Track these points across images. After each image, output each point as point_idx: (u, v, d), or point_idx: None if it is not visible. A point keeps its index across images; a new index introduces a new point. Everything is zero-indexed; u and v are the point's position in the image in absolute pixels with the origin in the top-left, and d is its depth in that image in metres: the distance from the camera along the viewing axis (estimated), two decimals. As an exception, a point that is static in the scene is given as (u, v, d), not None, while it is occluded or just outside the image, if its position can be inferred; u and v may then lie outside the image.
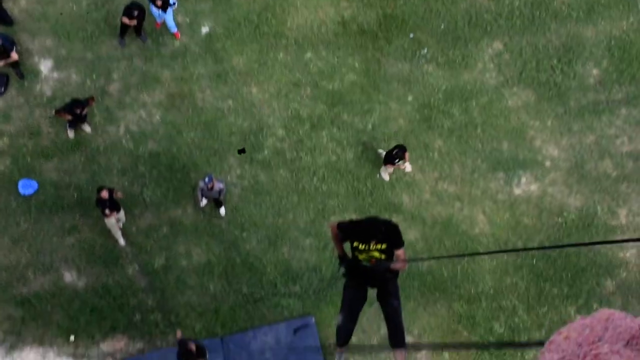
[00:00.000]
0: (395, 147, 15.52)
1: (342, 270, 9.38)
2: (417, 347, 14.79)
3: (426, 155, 16.49)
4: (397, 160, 15.54)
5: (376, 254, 8.57)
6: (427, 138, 16.65)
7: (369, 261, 8.70)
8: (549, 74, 17.19)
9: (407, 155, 15.59)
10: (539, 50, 17.38)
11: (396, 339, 9.14)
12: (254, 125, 16.36)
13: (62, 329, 14.46)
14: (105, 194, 14.07)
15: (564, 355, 1.46)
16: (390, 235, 8.48)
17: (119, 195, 14.64)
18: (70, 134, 15.68)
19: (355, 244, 8.63)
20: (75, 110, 15.04)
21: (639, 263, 15.89)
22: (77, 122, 15.49)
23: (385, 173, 16.11)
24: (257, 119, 16.42)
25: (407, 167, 16.00)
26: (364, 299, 9.45)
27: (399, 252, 8.66)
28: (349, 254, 9.04)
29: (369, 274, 8.99)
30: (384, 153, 15.85)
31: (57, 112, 15.28)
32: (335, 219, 15.75)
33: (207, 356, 13.70)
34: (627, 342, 1.41)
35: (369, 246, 8.49)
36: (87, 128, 15.80)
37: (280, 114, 16.54)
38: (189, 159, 15.91)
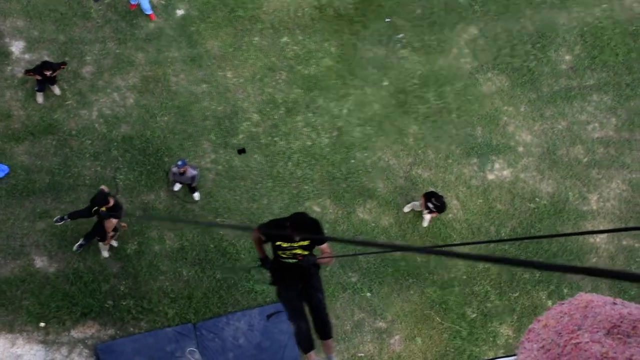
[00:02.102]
0: (436, 198, 14.19)
1: (270, 279, 9.05)
2: None
3: (401, 140, 15.56)
4: (430, 210, 14.39)
5: (299, 251, 8.22)
6: (402, 123, 15.72)
7: (294, 258, 8.30)
8: (522, 59, 16.29)
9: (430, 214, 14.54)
10: (513, 36, 16.46)
11: (323, 330, 8.94)
12: (229, 110, 15.32)
13: (32, 315, 13.36)
14: (111, 201, 12.69)
15: (544, 344, 1.28)
16: (313, 232, 8.11)
17: (123, 226, 13.68)
18: (40, 98, 14.48)
19: (278, 242, 8.26)
20: (44, 72, 13.94)
21: (608, 248, 15.14)
22: (45, 83, 14.36)
23: (409, 207, 15.02)
24: (231, 103, 15.37)
25: (425, 222, 15.05)
26: (300, 296, 9.02)
27: (323, 247, 8.42)
28: (271, 254, 8.70)
29: (293, 270, 8.52)
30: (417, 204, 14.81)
31: (27, 72, 14.17)
32: (310, 204, 14.90)
33: (121, 215, 12.99)
34: (608, 331, 1.23)
35: (292, 244, 8.16)
36: (56, 90, 14.62)
37: (255, 99, 15.50)
38: (162, 143, 14.85)
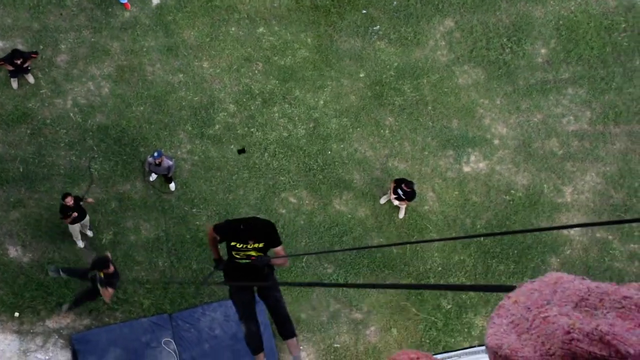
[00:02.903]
0: (406, 184, 14.39)
1: (222, 277, 9.12)
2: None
3: (377, 132, 15.75)
4: (398, 196, 14.62)
5: (253, 253, 8.32)
6: (379, 115, 15.91)
7: (248, 259, 8.40)
8: (498, 52, 16.55)
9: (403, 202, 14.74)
10: (489, 29, 16.71)
11: (286, 330, 8.98)
12: (205, 100, 15.40)
13: (6, 305, 13.37)
14: (70, 200, 12.74)
15: (513, 319, 1.36)
16: (268, 234, 8.28)
17: (89, 201, 13.62)
18: (14, 84, 14.50)
19: (232, 243, 8.35)
20: (14, 61, 13.91)
21: (582, 240, 15.46)
22: (18, 72, 14.37)
23: (384, 199, 15.25)
24: (208, 93, 15.46)
25: (401, 213, 15.25)
26: (253, 298, 9.17)
27: (278, 250, 8.50)
28: (225, 255, 8.80)
29: (247, 271, 8.59)
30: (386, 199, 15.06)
31: None
32: (286, 195, 15.04)
33: (117, 285, 12.87)
34: (576, 304, 1.32)
35: (247, 245, 8.25)
36: (30, 79, 14.64)
37: (231, 89, 15.60)
38: (138, 132, 14.89)
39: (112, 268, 12.08)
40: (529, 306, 1.36)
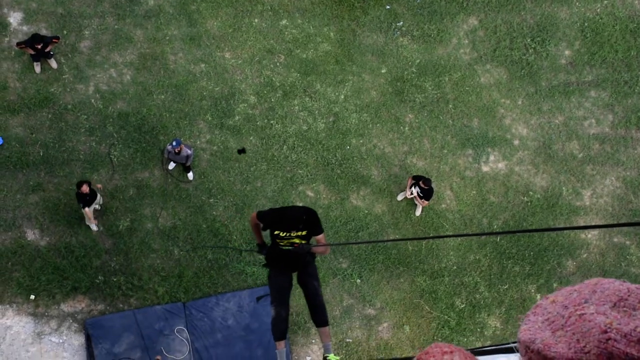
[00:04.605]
0: (424, 181, 14.59)
1: (264, 260, 9.27)
2: None
3: (397, 128, 15.91)
4: (414, 191, 14.82)
5: (296, 240, 8.48)
6: (399, 111, 16.07)
7: (291, 246, 8.58)
8: (522, 52, 16.65)
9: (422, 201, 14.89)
10: (513, 29, 16.81)
11: (319, 317, 9.15)
12: (226, 91, 15.62)
13: (22, 287, 13.69)
14: (85, 188, 13.05)
15: (549, 317, 1.36)
16: (310, 223, 8.41)
17: (98, 187, 13.91)
18: (37, 68, 14.79)
19: (276, 232, 8.48)
20: (35, 45, 14.19)
21: (599, 245, 15.55)
22: (40, 56, 14.64)
23: (402, 195, 15.43)
24: (229, 84, 15.67)
25: (417, 210, 15.42)
26: (290, 283, 9.29)
27: (319, 238, 8.62)
28: (269, 241, 8.91)
29: (289, 258, 8.81)
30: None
31: (19, 44, 14.44)
32: (303, 189, 15.23)
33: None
34: (615, 304, 1.30)
35: (290, 233, 8.39)
36: (53, 64, 14.93)
37: (252, 81, 15.80)
38: (158, 121, 15.14)
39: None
40: (567, 305, 1.35)
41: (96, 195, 13.71)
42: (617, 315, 1.27)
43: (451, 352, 1.18)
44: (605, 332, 1.23)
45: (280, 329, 9.14)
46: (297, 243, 8.53)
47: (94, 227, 14.16)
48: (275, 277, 9.25)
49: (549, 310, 1.38)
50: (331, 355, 9.54)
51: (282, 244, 8.62)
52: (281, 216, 8.37)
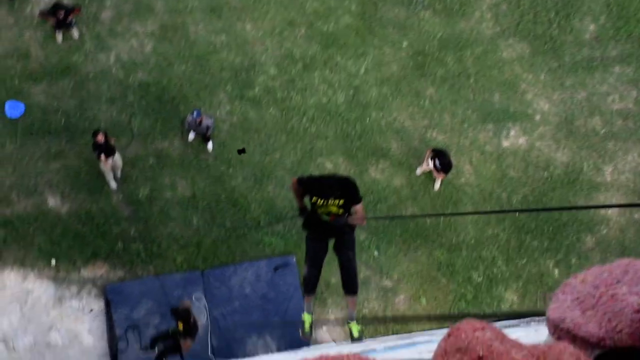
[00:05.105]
0: (443, 154, 14.69)
1: (302, 222, 9.43)
2: None
3: (417, 102, 15.89)
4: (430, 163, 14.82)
5: (334, 209, 8.57)
6: (419, 85, 16.04)
7: (328, 216, 8.68)
8: (545, 27, 16.51)
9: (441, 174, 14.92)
10: (537, 2, 16.65)
11: (349, 287, 9.50)
12: (246, 62, 15.69)
13: (43, 253, 13.95)
14: (101, 137, 13.28)
15: (579, 296, 1.32)
16: (348, 191, 8.49)
17: (112, 140, 14.11)
18: (59, 37, 15.02)
19: (314, 199, 8.62)
20: (57, 14, 14.43)
21: (620, 220, 15.45)
22: (62, 26, 14.85)
23: (421, 170, 15.42)
24: (249, 56, 15.75)
25: (436, 184, 15.42)
26: (326, 249, 9.53)
27: (357, 208, 8.67)
28: (309, 207, 9.04)
29: (327, 227, 8.96)
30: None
31: (41, 14, 14.69)
32: (322, 161, 15.30)
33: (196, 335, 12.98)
34: None
35: (327, 202, 8.49)
36: (74, 33, 15.15)
37: (273, 52, 15.86)
38: (178, 91, 15.27)
39: (192, 319, 12.27)
40: (597, 285, 1.33)
41: (114, 151, 13.81)
42: None
43: (483, 328, 1.20)
44: (639, 311, 1.21)
45: (310, 287, 9.74)
46: (334, 212, 8.64)
47: (112, 185, 14.32)
48: (313, 241, 9.52)
49: (579, 290, 1.37)
50: (353, 323, 9.83)
51: (320, 211, 8.76)
52: (319, 183, 8.55)
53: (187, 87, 15.24)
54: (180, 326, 12.15)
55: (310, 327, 10.28)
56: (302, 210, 9.28)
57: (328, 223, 8.81)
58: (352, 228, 9.21)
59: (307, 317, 10.19)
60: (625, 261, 1.40)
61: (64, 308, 13.75)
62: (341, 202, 8.52)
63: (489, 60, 16.18)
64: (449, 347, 1.23)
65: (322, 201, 8.54)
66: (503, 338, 1.22)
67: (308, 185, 8.71)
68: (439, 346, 1.24)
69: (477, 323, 1.26)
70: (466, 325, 1.24)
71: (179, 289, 14.06)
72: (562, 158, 15.69)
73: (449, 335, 1.25)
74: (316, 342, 13.87)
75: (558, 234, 15.17)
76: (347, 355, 1.09)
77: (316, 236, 9.39)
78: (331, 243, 9.53)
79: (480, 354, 1.18)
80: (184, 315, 12.14)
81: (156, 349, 12.99)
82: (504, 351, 1.17)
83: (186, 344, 12.38)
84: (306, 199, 9.04)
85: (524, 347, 1.20)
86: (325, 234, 9.28)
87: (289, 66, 15.72)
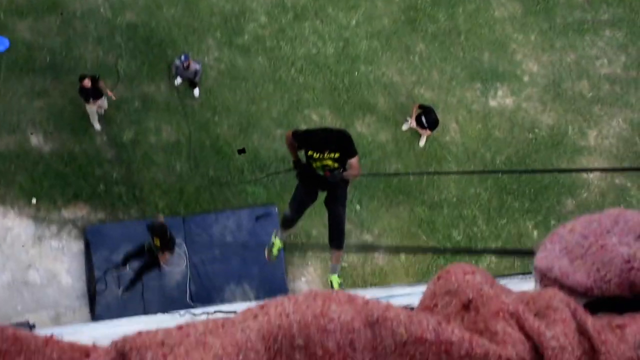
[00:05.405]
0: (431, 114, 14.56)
1: (296, 174, 9.47)
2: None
3: (407, 58, 15.79)
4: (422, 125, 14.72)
5: (329, 162, 8.52)
6: (410, 41, 15.93)
7: (323, 170, 8.66)
8: (539, -13, 16.44)
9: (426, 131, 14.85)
10: (532, -37, 16.56)
11: (336, 242, 9.59)
12: (237, 9, 15.48)
13: (24, 191, 13.85)
14: (87, 82, 13.10)
15: (567, 245, 1.29)
16: (343, 144, 8.43)
17: (102, 85, 13.89)
18: None
19: (309, 152, 8.58)
20: None
21: (600, 185, 15.55)
22: None
23: (407, 125, 15.38)
24: (240, 2, 15.49)
25: (421, 141, 15.36)
26: (314, 199, 9.64)
27: (352, 161, 8.63)
28: (304, 160, 9.04)
29: (321, 180, 8.96)
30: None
31: None
32: (309, 112, 15.23)
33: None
34: (639, 236, 1.22)
35: (323, 155, 8.44)
36: None
37: (264, 0, 15.69)
38: (167, 35, 15.06)
39: (168, 233, 12.27)
40: (586, 235, 1.29)
41: (101, 94, 13.67)
42: None
43: (473, 272, 1.17)
44: (628, 262, 1.19)
45: (288, 226, 10.23)
46: (329, 165, 8.60)
47: (97, 126, 14.21)
48: (302, 190, 9.59)
49: (567, 239, 1.33)
50: (334, 276, 9.99)
51: (315, 165, 8.71)
52: (315, 136, 8.49)
53: (175, 31, 15.05)
54: (157, 242, 12.22)
55: (278, 253, 10.82)
56: (297, 163, 9.27)
57: (323, 177, 8.80)
58: (346, 183, 9.22)
59: (277, 241, 10.60)
60: (615, 211, 1.35)
61: (43, 247, 13.73)
62: (337, 155, 8.47)
63: (481, 18, 16.09)
64: (438, 290, 1.22)
65: (317, 154, 8.50)
66: (493, 282, 1.21)
67: (303, 138, 8.65)
68: (428, 288, 1.23)
69: (467, 267, 1.22)
70: (456, 268, 1.22)
71: (160, 233, 14.04)
72: (547, 120, 15.72)
73: (438, 278, 1.24)
74: (294, 293, 13.96)
75: (539, 196, 15.27)
76: (336, 291, 1.08)
77: (307, 187, 9.43)
78: (321, 194, 9.56)
79: (470, 297, 1.15)
80: (160, 230, 12.17)
81: (127, 266, 13.12)
82: (493, 295, 1.16)
83: (164, 257, 12.48)
84: (301, 153, 9.03)
85: (514, 292, 1.20)
86: (318, 186, 9.30)
87: (280, 15, 15.55)
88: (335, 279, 9.95)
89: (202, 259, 14.15)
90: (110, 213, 14.05)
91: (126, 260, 13.13)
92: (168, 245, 12.28)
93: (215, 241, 14.27)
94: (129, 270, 13.35)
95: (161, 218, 12.60)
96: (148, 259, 12.80)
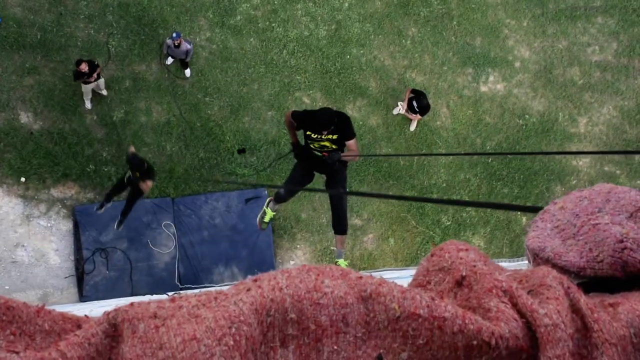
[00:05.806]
0: (423, 99, 14.54)
1: (295, 155, 9.53)
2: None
3: (399, 42, 15.77)
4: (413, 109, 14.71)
5: (327, 144, 8.62)
6: (402, 24, 15.90)
7: (321, 152, 8.74)
8: (532, -27, 16.40)
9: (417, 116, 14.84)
10: (526, -51, 16.52)
11: (340, 227, 9.73)
12: (229, -11, 15.43)
13: (13, 169, 13.77)
14: (84, 67, 13.02)
15: (559, 224, 1.31)
16: (342, 126, 8.48)
17: (99, 70, 13.73)
18: None
19: (308, 133, 8.68)
20: None
21: (590, 172, 15.63)
22: None
23: (397, 110, 15.34)
24: (232, -18, 15.47)
25: (412, 125, 15.33)
26: (309, 180, 9.73)
27: (350, 143, 8.67)
28: (303, 142, 9.11)
29: (319, 162, 9.04)
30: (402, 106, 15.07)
31: None
32: (300, 95, 15.20)
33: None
34: (631, 215, 1.25)
35: (321, 136, 8.51)
36: None
37: (256, -20, 15.60)
38: (159, 14, 14.96)
39: (145, 164, 12.14)
40: (577, 213, 1.31)
41: (98, 76, 13.57)
42: (633, 226, 1.22)
43: (466, 249, 1.17)
44: (621, 241, 1.20)
45: (279, 201, 10.44)
46: (328, 147, 8.66)
47: (88, 105, 14.09)
48: (299, 171, 9.66)
49: (558, 218, 1.34)
50: (341, 261, 10.08)
51: (313, 145, 8.79)
52: (314, 117, 8.48)
53: (167, 10, 14.94)
54: (137, 174, 12.09)
55: (269, 222, 11.04)
56: (295, 144, 9.30)
57: (321, 158, 8.84)
58: (344, 164, 9.23)
59: (269, 212, 10.74)
60: (606, 187, 1.38)
61: (31, 226, 13.68)
62: (335, 137, 8.54)
63: (474, 3, 16.05)
64: (432, 267, 1.22)
65: (316, 135, 8.56)
66: (486, 260, 1.21)
67: (302, 119, 8.70)
68: (421, 265, 1.23)
69: (461, 244, 1.24)
70: (450, 245, 1.23)
71: (149, 214, 14.04)
72: (538, 107, 15.75)
73: (432, 255, 1.25)
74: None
75: (528, 183, 15.33)
76: (329, 266, 1.08)
77: (304, 168, 9.47)
78: (318, 177, 9.65)
79: (463, 274, 1.16)
80: (137, 162, 11.95)
81: (111, 203, 13.07)
82: (487, 272, 1.16)
83: (146, 185, 12.31)
84: (299, 134, 9.06)
85: (507, 270, 1.20)
86: (315, 168, 9.34)
87: (272, -4, 15.46)
88: (342, 264, 10.02)
89: (190, 241, 14.15)
90: (99, 193, 13.99)
91: (109, 197, 13.04)
92: (148, 174, 12.21)
93: (204, 223, 14.27)
94: (116, 229, 13.34)
95: (132, 149, 12.49)
96: (131, 190, 12.70)
